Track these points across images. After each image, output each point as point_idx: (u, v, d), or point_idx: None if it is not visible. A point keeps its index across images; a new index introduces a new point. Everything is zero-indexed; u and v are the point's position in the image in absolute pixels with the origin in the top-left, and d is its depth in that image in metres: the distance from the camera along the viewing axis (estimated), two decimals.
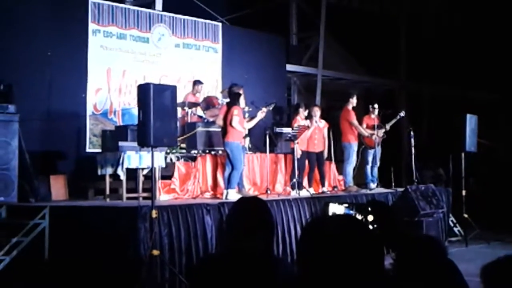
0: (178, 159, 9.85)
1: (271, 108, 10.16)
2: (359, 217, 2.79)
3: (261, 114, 9.54)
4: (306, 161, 10.45)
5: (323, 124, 10.74)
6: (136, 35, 11.45)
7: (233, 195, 8.66)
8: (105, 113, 10.90)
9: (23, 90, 9.10)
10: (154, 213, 6.73)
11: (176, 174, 9.38)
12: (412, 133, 11.47)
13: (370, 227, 2.63)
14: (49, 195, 9.04)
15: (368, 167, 11.36)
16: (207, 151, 9.97)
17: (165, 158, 9.41)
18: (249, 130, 9.95)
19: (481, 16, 16.59)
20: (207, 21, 12.72)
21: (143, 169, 8.95)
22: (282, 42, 14.72)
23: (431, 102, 18.16)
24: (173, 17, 12.07)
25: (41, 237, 7.45)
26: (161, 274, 6.85)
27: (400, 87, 17.67)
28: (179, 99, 9.08)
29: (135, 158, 8.75)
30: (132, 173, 8.89)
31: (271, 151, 10.19)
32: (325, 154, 10.78)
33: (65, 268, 7.23)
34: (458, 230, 11.67)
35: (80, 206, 8.18)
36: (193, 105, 10.56)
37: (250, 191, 9.78)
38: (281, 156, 10.77)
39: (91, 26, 10.82)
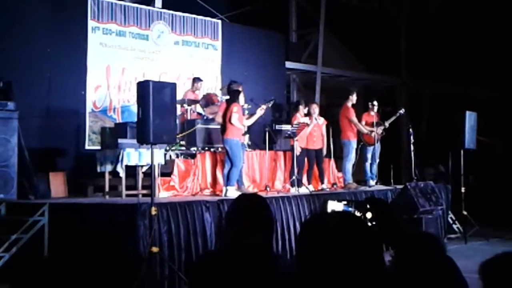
0: (177, 156, 9.86)
1: (270, 105, 10.16)
2: (358, 214, 2.79)
3: (260, 111, 9.55)
4: (306, 158, 10.46)
5: (321, 121, 10.75)
6: (136, 32, 11.45)
7: (233, 192, 8.67)
8: (105, 110, 10.91)
9: (23, 87, 9.10)
10: (153, 210, 6.74)
11: (175, 171, 9.39)
12: (411, 130, 11.48)
13: (369, 224, 2.64)
14: (48, 192, 9.05)
15: (368, 164, 11.37)
16: (207, 148, 9.97)
17: (165, 155, 9.41)
18: (249, 127, 9.97)
19: (482, 13, 16.58)
20: (207, 18, 12.72)
21: (142, 166, 8.95)
22: (282, 39, 14.71)
23: (430, 99, 18.16)
24: (172, 14, 12.07)
25: (41, 234, 7.47)
26: (161, 271, 6.85)
27: (399, 84, 17.68)
28: (179, 96, 9.07)
29: (135, 155, 8.76)
30: (131, 170, 8.90)
31: (270, 148, 10.19)
32: (324, 151, 10.79)
33: (65, 265, 7.24)
34: (457, 227, 11.68)
35: (79, 203, 8.19)
36: (193, 102, 10.56)
37: (249, 188, 9.79)
38: (281, 153, 10.77)
39: (91, 23, 10.82)
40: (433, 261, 2.46)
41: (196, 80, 11.03)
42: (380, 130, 11.25)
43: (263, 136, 9.93)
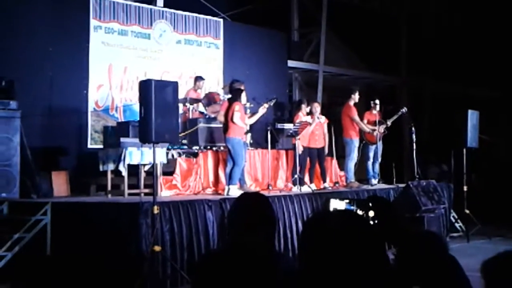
0: (179, 155, 9.87)
1: (272, 104, 10.15)
2: (360, 212, 2.79)
3: (262, 110, 9.55)
4: (308, 157, 10.46)
5: (323, 120, 10.75)
6: (138, 31, 11.45)
7: (235, 191, 8.67)
8: (107, 109, 10.91)
9: (25, 86, 9.11)
10: (155, 209, 6.74)
11: (177, 170, 9.40)
12: (413, 129, 11.45)
13: (371, 222, 2.64)
14: (51, 191, 9.06)
15: (370, 163, 11.36)
16: (209, 147, 9.98)
17: (167, 154, 9.42)
18: (251, 126, 9.96)
19: (482, 13, 16.56)
20: (209, 17, 12.71)
21: (144, 165, 8.96)
22: (284, 38, 14.71)
23: (432, 98, 18.14)
24: (174, 13, 12.07)
25: (43, 233, 7.47)
26: (163, 270, 6.87)
27: (401, 83, 17.67)
28: (181, 95, 9.08)
29: (137, 154, 8.76)
30: (133, 169, 8.90)
31: (272, 147, 10.19)
32: (326, 150, 10.79)
33: (67, 264, 7.24)
34: (460, 226, 11.68)
35: (82, 202, 8.21)
36: (195, 101, 10.57)
37: (251, 187, 9.79)
38: (283, 152, 10.78)
39: (93, 22, 10.82)
40: (435, 259, 2.46)
41: (198, 79, 11.04)
42: (382, 128, 11.25)
43: (265, 135, 9.93)
